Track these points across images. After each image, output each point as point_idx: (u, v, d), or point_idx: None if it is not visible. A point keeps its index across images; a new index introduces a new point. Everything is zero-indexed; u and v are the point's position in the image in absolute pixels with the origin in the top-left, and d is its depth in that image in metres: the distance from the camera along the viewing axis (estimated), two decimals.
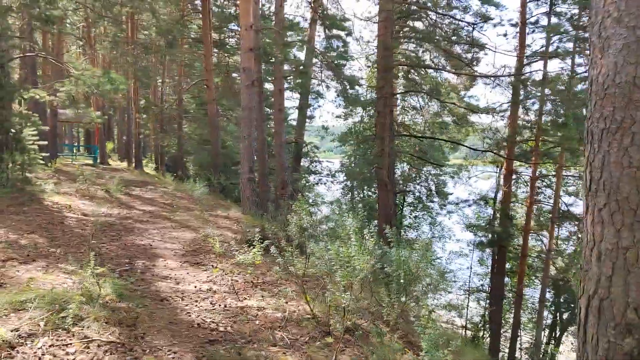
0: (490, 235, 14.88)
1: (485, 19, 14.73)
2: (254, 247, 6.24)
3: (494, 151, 14.76)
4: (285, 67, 17.83)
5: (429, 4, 13.81)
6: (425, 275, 5.66)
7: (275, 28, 14.68)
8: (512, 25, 14.32)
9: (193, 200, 14.39)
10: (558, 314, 17.96)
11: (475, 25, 13.64)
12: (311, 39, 18.65)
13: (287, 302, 5.77)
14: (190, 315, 4.91)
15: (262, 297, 5.97)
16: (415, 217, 23.68)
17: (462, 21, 13.90)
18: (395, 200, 13.30)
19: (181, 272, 6.72)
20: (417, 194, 22.97)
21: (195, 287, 6.05)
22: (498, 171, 16.74)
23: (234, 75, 25.15)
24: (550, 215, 14.27)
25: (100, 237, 8.03)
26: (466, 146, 15.26)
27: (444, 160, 20.41)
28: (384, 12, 12.59)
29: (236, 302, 5.55)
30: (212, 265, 7.23)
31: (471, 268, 21.12)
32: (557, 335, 18.36)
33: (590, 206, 2.43)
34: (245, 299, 5.80)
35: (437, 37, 13.73)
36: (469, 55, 14.31)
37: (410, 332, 6.00)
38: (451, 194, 20.40)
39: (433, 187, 21.15)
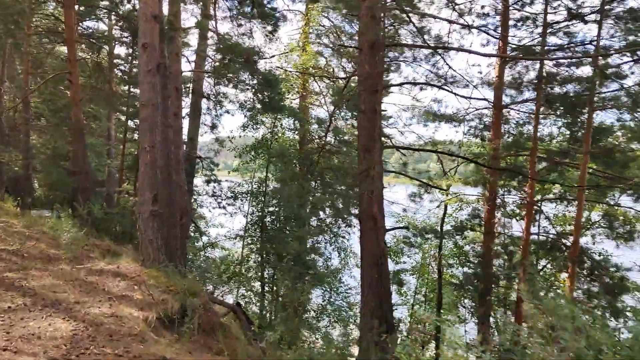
0: (469, 278, 12.12)
1: None
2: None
3: (477, 161, 11.90)
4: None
5: None
6: None
7: None
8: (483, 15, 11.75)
9: (54, 241, 9.71)
10: None
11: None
12: (207, 14, 14.52)
13: None
14: None
15: None
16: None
17: None
18: (385, 241, 9.96)
19: None
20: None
21: None
22: (443, 197, 14.13)
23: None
24: (567, 252, 11.77)
25: None
26: (461, 157, 12.27)
27: None
28: None
29: None
30: None
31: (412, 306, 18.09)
32: None
33: None
34: None
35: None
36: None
37: None
38: None
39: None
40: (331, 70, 18.35)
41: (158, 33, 8.08)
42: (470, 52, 10.23)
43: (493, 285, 12.12)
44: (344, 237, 19.82)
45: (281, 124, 16.62)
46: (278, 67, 17.64)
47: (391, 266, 19.35)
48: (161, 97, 8.50)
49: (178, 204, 11.65)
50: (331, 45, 16.49)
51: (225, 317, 8.03)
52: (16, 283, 6.35)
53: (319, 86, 20.20)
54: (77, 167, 15.05)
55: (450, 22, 10.54)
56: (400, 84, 11.32)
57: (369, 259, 9.92)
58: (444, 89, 10.73)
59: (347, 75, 14.66)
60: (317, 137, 19.76)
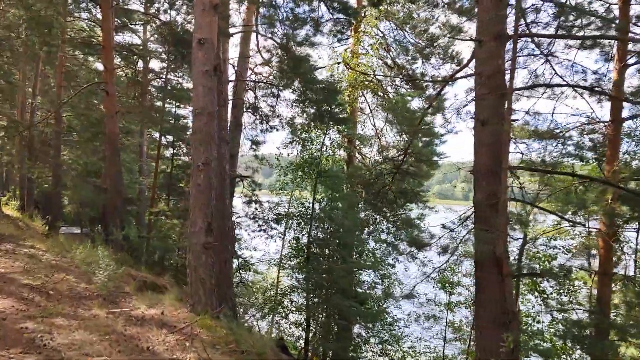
0: (575, 327, 9.95)
1: None
2: None
3: (623, 187, 9.33)
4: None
5: None
6: None
7: None
8: None
9: (84, 274, 8.29)
10: None
11: None
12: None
13: None
14: None
15: None
16: None
17: None
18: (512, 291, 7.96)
19: None
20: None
21: None
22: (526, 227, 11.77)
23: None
24: None
25: None
26: (602, 181, 9.89)
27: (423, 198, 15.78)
28: None
29: None
30: None
31: None
32: None
33: None
34: None
35: None
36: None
37: None
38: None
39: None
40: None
41: (217, 27, 6.69)
42: None
43: (617, 339, 10.00)
44: (392, 265, 18.10)
45: (331, 141, 15.06)
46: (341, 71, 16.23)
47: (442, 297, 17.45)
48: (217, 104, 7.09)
49: (226, 230, 10.18)
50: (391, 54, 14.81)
51: None
52: (37, 339, 4.88)
53: (367, 101, 18.77)
54: (111, 183, 13.76)
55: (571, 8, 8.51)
56: (532, 87, 9.24)
57: (492, 317, 7.51)
58: (603, 92, 8.60)
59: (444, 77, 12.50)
60: (365, 156, 18.23)
